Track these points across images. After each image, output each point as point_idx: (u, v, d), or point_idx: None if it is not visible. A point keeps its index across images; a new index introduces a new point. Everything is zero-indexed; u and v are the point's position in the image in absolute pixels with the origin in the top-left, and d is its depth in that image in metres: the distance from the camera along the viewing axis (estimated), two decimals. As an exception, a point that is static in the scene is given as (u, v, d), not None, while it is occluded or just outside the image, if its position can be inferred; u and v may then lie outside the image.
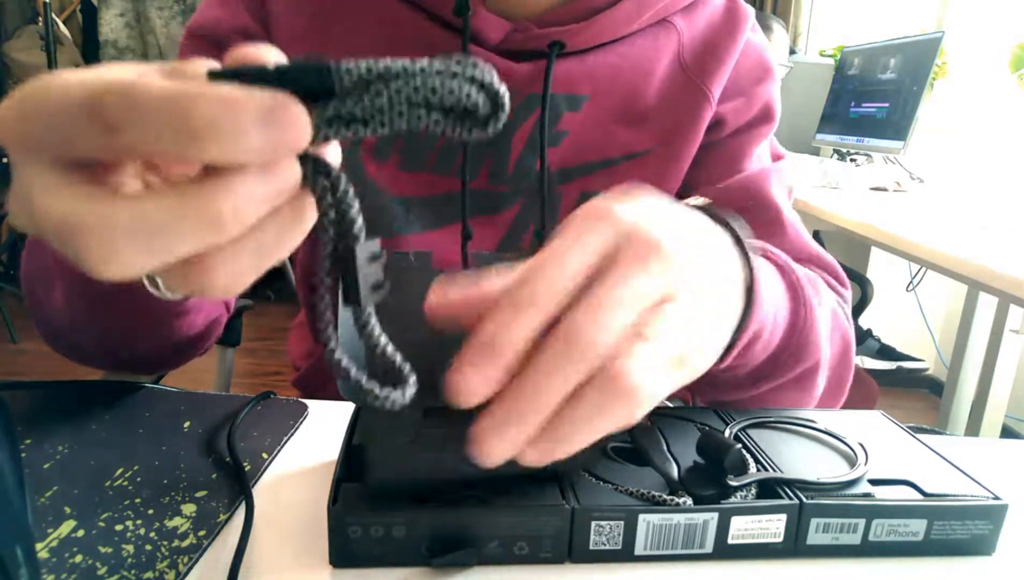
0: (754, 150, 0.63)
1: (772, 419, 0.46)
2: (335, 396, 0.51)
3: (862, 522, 0.37)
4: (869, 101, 2.13)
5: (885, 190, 1.85)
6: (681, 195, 0.64)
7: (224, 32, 0.57)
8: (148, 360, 0.55)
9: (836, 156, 2.30)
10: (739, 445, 0.39)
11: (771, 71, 0.64)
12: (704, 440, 0.39)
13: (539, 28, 0.56)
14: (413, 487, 0.36)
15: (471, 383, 0.25)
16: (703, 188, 0.62)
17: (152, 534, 0.36)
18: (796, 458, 0.41)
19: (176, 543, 0.35)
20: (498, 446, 0.25)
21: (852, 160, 2.22)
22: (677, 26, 0.60)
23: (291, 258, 0.82)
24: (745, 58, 0.62)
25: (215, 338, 0.58)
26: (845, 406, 0.58)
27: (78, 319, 0.48)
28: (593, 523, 0.35)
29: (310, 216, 0.23)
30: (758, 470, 0.39)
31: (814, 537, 0.37)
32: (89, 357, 0.54)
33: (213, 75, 0.20)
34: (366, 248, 0.23)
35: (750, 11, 0.63)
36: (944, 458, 0.42)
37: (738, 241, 0.35)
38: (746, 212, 0.59)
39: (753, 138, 0.63)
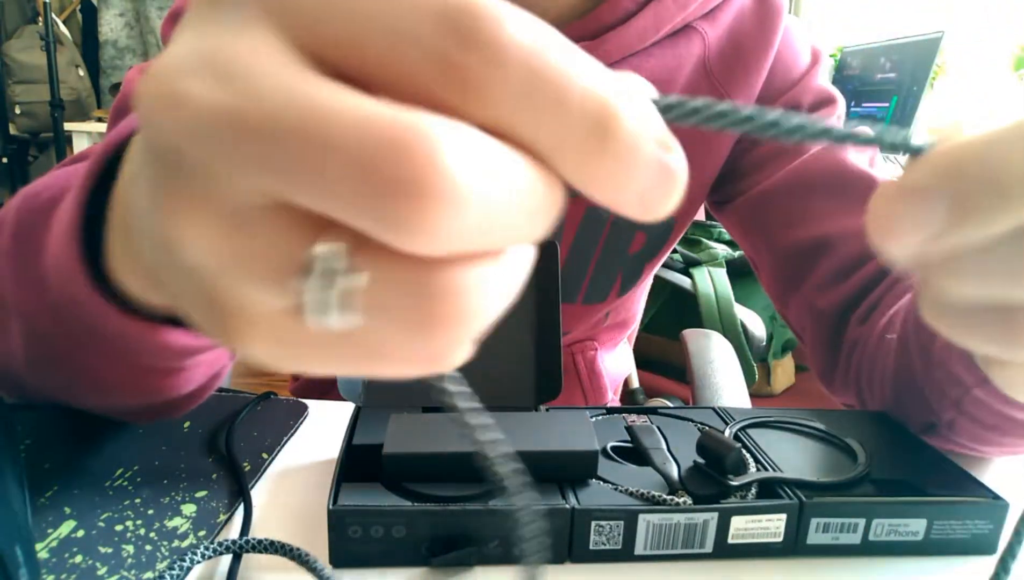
0: None
1: (772, 419, 0.46)
2: (334, 399, 0.51)
3: (862, 522, 0.37)
4: (869, 101, 2.13)
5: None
6: (735, 196, 0.63)
7: None
8: (121, 413, 0.43)
9: (836, 156, 2.30)
10: (739, 445, 0.39)
11: (819, 54, 0.62)
12: (704, 440, 0.39)
13: None
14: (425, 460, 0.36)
15: None
16: (777, 178, 0.60)
17: (152, 534, 0.36)
18: (796, 458, 0.41)
19: (176, 543, 0.35)
20: None
21: (852, 160, 2.22)
22: (701, 31, 0.57)
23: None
24: (789, 47, 0.60)
25: (209, 393, 0.42)
26: (844, 406, 0.58)
27: (39, 366, 0.37)
28: (593, 523, 0.35)
29: None
30: (758, 470, 0.39)
31: (814, 537, 0.37)
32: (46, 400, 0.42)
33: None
34: None
35: (783, 4, 0.60)
36: (944, 458, 0.42)
37: None
38: (835, 190, 0.57)
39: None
